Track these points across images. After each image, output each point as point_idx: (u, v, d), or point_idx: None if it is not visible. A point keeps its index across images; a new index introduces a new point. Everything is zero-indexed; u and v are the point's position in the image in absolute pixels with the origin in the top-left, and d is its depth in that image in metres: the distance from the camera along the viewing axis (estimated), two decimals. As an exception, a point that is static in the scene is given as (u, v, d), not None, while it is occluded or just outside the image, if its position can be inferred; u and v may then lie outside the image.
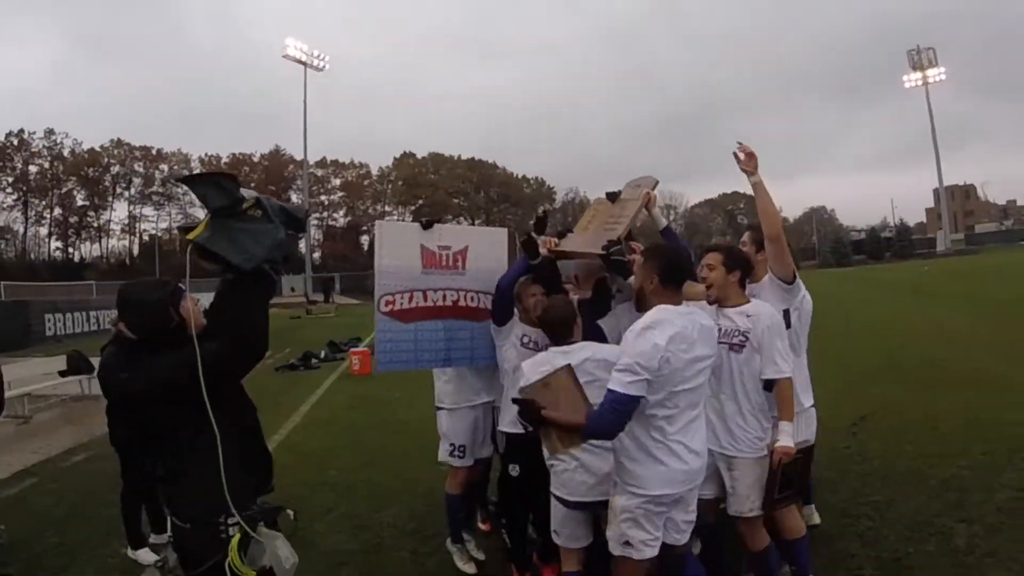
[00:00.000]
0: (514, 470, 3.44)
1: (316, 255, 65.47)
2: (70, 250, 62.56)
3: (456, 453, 3.91)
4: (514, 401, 2.69)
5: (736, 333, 3.06)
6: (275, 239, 2.29)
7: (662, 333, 2.49)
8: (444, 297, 3.63)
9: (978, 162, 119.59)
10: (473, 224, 71.33)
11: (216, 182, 2.26)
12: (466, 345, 3.68)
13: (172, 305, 2.29)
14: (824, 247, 62.70)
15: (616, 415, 2.44)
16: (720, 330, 3.00)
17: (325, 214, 72.92)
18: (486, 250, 3.83)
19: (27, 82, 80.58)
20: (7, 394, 4.48)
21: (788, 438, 2.96)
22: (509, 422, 3.42)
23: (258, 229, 2.27)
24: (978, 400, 6.61)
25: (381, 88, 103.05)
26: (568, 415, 2.54)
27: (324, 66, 53.85)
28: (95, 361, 9.06)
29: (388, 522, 4.61)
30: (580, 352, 2.99)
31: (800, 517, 3.29)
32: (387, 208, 74.65)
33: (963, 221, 72.78)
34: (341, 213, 73.92)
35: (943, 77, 57.10)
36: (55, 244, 62.39)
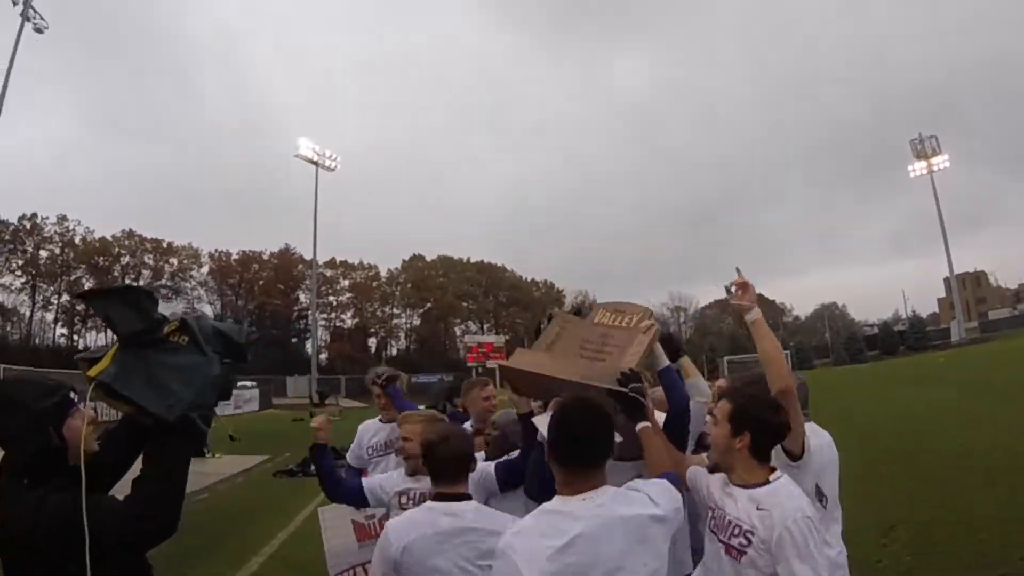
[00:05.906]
0: None
1: (323, 356, 64.97)
2: (75, 337, 61.40)
3: None
4: None
5: (736, 530, 2.08)
6: (206, 376, 1.76)
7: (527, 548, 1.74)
8: None
9: (988, 246, 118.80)
10: (482, 328, 71.35)
11: (128, 298, 1.74)
12: None
13: (55, 424, 1.69)
14: (837, 344, 62.10)
15: None
16: (718, 519, 2.17)
17: (333, 315, 72.93)
18: None
19: (40, 160, 75.64)
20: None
21: None
22: None
23: (185, 363, 1.75)
24: (1012, 496, 6.04)
25: (391, 187, 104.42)
26: None
27: (335, 166, 55.17)
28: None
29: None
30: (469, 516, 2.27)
31: None
32: (395, 310, 74.79)
33: (976, 308, 71.94)
34: (349, 314, 73.90)
35: (947, 164, 57.29)
36: (60, 331, 61.60)
